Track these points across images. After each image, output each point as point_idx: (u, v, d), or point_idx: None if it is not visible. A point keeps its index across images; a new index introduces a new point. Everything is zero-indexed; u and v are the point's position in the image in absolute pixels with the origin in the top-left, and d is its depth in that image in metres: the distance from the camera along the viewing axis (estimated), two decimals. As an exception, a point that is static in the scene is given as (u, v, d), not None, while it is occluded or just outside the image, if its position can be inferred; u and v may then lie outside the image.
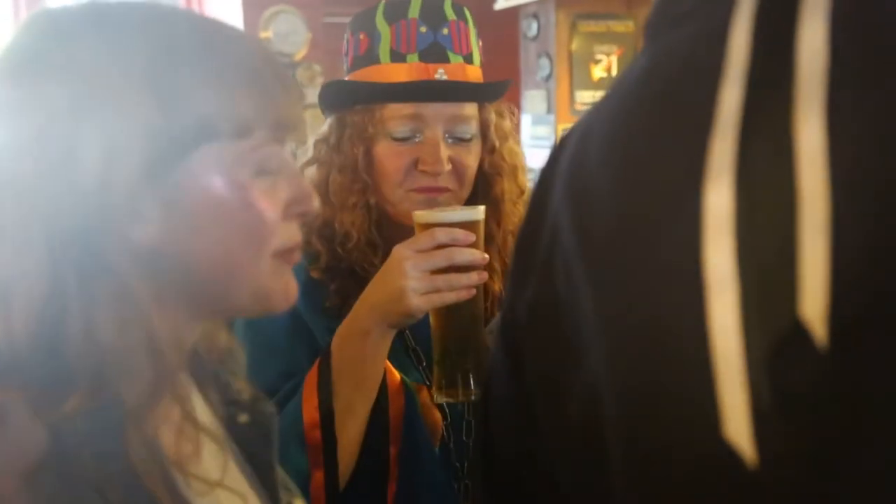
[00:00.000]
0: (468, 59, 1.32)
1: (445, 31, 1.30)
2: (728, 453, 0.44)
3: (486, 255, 1.19)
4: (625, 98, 0.55)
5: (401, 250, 1.16)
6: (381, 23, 1.31)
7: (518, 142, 1.42)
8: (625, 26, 4.77)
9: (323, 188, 1.31)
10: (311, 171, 1.34)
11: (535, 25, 4.80)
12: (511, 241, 1.33)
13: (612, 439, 0.50)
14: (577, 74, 4.74)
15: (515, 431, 0.61)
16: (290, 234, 0.78)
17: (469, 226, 1.18)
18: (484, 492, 0.68)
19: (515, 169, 1.38)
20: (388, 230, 1.33)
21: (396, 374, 1.24)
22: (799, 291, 0.42)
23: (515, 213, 1.37)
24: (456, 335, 1.20)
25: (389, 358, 1.22)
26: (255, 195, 0.75)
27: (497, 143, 1.35)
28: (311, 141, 1.36)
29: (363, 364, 1.18)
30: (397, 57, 1.29)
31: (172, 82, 0.72)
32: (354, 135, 1.30)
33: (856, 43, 0.45)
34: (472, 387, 1.19)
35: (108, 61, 0.71)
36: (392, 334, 1.19)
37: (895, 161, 0.42)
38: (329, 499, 1.19)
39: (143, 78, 0.71)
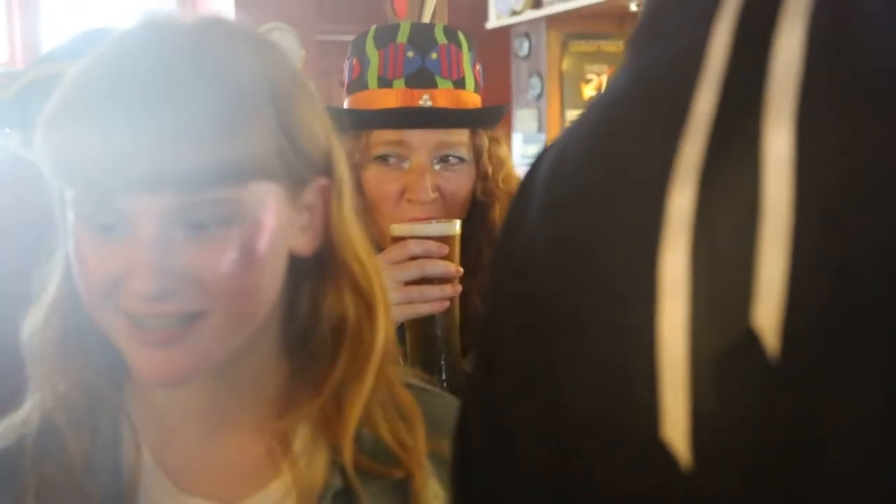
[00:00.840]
0: (459, 84, 1.30)
1: (434, 55, 1.29)
2: (663, 454, 0.44)
3: (461, 269, 1.19)
4: (605, 108, 0.55)
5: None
6: (370, 48, 1.31)
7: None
8: (616, 46, 4.80)
9: None
10: None
11: (526, 45, 4.83)
12: None
13: (575, 439, 0.51)
14: (568, 94, 4.77)
15: (489, 443, 0.61)
16: (128, 302, 0.71)
17: (444, 239, 1.18)
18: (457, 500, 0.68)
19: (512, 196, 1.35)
20: None
21: None
22: (753, 300, 0.42)
23: None
24: (430, 349, 1.20)
25: None
26: (88, 251, 0.72)
27: (490, 170, 1.33)
28: None
29: None
30: (384, 83, 1.29)
31: (56, 117, 0.71)
32: None
33: (831, 53, 0.45)
34: None
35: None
36: None
37: (862, 174, 0.43)
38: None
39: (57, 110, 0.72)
